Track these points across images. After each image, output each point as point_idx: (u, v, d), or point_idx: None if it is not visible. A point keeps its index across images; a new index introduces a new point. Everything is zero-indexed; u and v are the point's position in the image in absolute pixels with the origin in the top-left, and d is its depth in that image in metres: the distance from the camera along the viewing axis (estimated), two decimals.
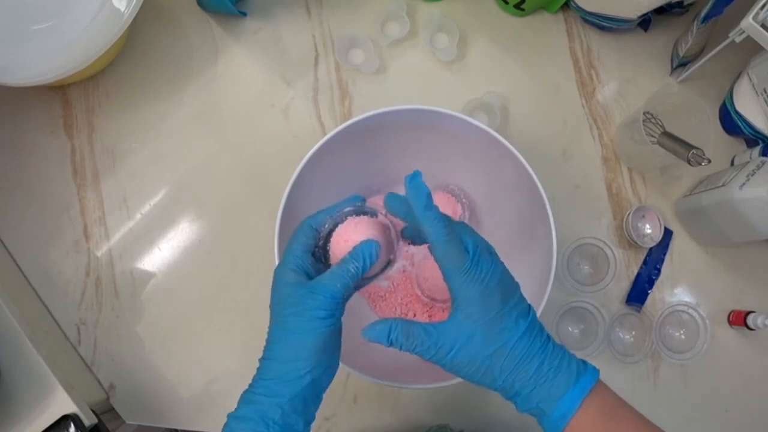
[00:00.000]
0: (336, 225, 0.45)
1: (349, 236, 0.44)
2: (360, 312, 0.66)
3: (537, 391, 0.40)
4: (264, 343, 0.43)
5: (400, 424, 0.67)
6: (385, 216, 0.47)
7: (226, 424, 0.41)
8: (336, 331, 0.42)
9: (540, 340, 0.41)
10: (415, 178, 0.41)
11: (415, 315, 0.66)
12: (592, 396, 0.40)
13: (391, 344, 0.41)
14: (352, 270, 0.42)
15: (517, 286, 0.43)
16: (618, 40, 0.74)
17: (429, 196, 0.41)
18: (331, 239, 0.45)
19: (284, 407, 0.40)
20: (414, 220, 0.43)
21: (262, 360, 0.43)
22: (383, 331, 0.41)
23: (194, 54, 0.74)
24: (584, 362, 0.42)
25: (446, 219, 0.42)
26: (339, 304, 0.42)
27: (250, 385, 0.42)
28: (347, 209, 0.47)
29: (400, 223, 0.48)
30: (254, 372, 0.43)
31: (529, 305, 0.43)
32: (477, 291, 0.40)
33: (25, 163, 0.71)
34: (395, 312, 0.66)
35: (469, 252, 0.41)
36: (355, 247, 0.43)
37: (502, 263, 0.43)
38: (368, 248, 0.43)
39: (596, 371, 0.42)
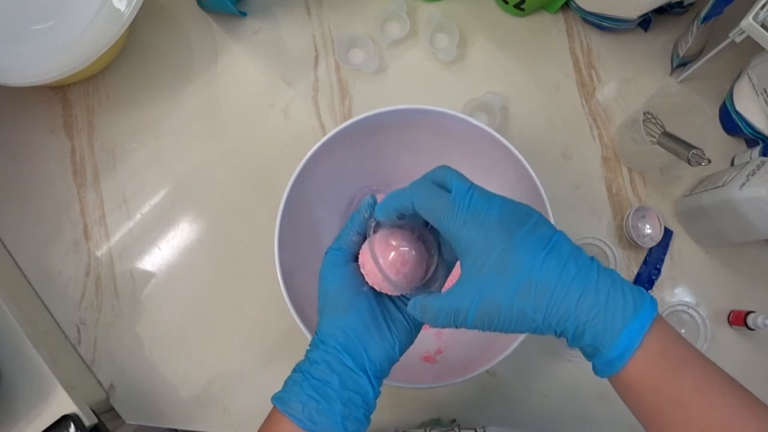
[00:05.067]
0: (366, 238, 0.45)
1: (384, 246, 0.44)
2: None
3: (589, 325, 0.35)
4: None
5: (398, 423, 0.67)
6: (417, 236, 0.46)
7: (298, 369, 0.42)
8: (346, 283, 0.44)
9: (575, 263, 0.36)
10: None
11: None
12: (652, 332, 0.35)
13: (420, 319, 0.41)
14: (348, 225, 0.45)
15: (529, 212, 0.39)
16: (618, 40, 0.74)
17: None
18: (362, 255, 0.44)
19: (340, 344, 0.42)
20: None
21: None
22: (411, 307, 0.41)
23: (194, 54, 0.74)
24: (639, 289, 0.37)
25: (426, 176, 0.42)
26: (341, 252, 0.45)
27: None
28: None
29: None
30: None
31: (552, 227, 0.38)
32: (474, 231, 0.37)
33: (25, 163, 0.71)
34: None
35: (451, 191, 0.39)
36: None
37: (500, 197, 0.39)
38: (366, 200, 0.45)
39: (654, 301, 0.36)
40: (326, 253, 0.45)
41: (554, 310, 0.36)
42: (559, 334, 0.37)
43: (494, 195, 0.39)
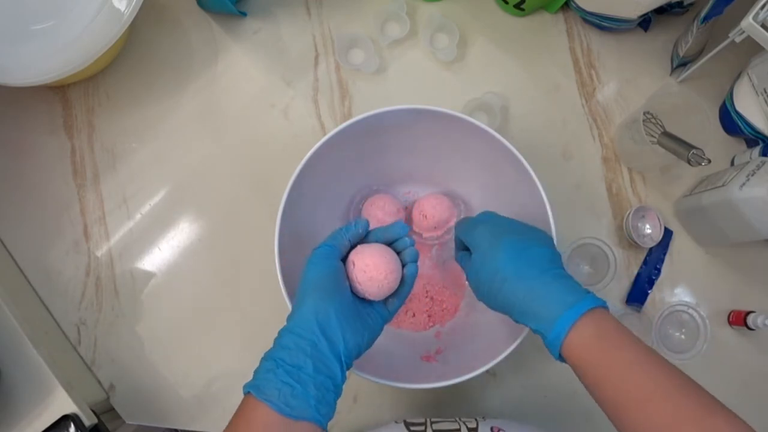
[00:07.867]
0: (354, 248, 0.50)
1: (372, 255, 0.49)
2: None
3: (531, 310, 0.46)
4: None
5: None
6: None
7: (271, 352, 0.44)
8: (333, 272, 0.47)
9: (535, 268, 0.48)
10: None
11: (414, 315, 0.66)
12: (588, 320, 0.44)
13: None
14: (343, 230, 0.50)
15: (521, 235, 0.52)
16: (618, 40, 0.74)
17: None
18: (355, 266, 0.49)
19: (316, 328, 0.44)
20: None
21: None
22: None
23: (194, 54, 0.74)
24: (587, 292, 0.46)
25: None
26: (333, 248, 0.48)
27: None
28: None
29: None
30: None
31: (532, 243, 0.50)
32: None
33: (25, 163, 0.71)
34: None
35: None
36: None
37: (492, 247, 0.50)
38: (362, 222, 0.50)
39: (595, 300, 0.45)
40: (317, 248, 0.48)
41: (508, 296, 0.48)
42: (515, 317, 0.49)
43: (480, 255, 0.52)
